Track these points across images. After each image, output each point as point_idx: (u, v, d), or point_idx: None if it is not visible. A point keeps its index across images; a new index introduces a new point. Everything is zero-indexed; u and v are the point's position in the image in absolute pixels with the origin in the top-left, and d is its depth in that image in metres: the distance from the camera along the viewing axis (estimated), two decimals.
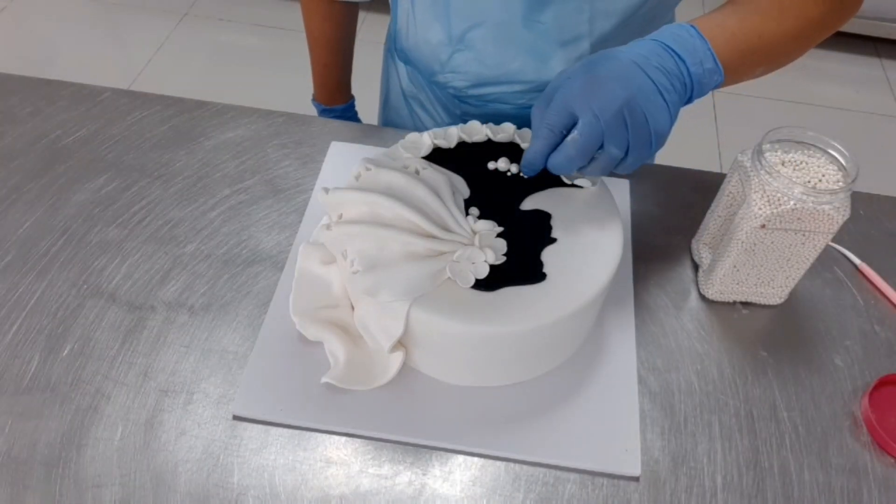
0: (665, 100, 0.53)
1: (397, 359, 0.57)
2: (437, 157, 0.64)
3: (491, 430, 0.56)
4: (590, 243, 0.58)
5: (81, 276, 0.65)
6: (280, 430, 0.56)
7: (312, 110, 0.96)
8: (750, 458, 0.57)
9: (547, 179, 0.62)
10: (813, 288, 0.69)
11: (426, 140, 0.64)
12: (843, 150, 0.59)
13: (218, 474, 0.54)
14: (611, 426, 0.57)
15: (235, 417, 0.56)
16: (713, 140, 2.04)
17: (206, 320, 0.62)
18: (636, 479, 0.55)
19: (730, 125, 2.08)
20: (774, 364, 0.63)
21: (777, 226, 0.58)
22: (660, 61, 0.53)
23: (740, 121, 2.09)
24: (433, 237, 0.56)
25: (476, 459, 0.55)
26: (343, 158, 0.76)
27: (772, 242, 0.60)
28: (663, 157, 0.88)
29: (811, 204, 0.56)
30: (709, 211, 0.68)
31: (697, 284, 0.68)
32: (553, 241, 0.58)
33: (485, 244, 0.56)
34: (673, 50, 0.54)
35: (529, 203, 0.61)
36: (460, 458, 0.55)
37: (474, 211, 0.59)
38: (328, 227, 0.58)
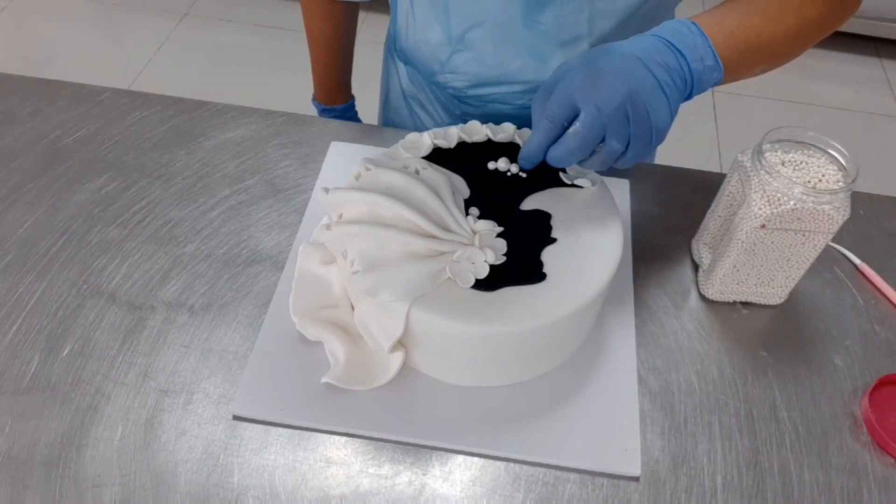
0: (666, 95, 0.53)
1: (397, 359, 0.57)
2: (437, 157, 0.64)
3: (491, 430, 0.56)
4: (590, 243, 0.58)
5: (81, 276, 0.65)
6: (280, 430, 0.56)
7: (312, 110, 0.96)
8: (750, 458, 0.57)
9: (547, 179, 0.62)
10: (813, 288, 0.69)
11: (426, 140, 0.64)
12: (843, 150, 0.59)
13: (218, 474, 0.54)
14: (611, 426, 0.57)
15: (235, 417, 0.56)
16: (713, 140, 2.04)
17: (206, 320, 0.62)
18: (636, 479, 0.55)
19: (730, 125, 2.08)
20: (774, 364, 0.63)
21: (777, 226, 0.58)
22: (661, 57, 0.53)
23: (740, 121, 2.09)
24: (433, 237, 0.56)
25: (476, 459, 0.55)
26: (343, 158, 0.76)
27: (772, 242, 0.60)
28: (663, 157, 0.88)
29: (811, 204, 0.56)
30: (709, 211, 0.68)
31: (697, 284, 0.68)
32: (553, 241, 0.58)
33: (485, 244, 0.56)
34: (674, 46, 0.54)
35: (529, 203, 0.61)
36: (460, 458, 0.55)
37: (474, 211, 0.59)
38: (328, 227, 0.58)
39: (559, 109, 0.54)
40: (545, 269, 0.56)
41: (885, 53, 2.36)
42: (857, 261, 0.71)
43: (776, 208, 0.57)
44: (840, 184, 0.58)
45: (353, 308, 0.61)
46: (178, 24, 2.35)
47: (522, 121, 0.66)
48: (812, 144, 0.60)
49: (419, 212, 0.56)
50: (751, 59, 0.59)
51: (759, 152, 0.58)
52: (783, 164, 0.59)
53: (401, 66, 0.85)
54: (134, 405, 0.57)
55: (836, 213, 0.57)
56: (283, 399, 0.57)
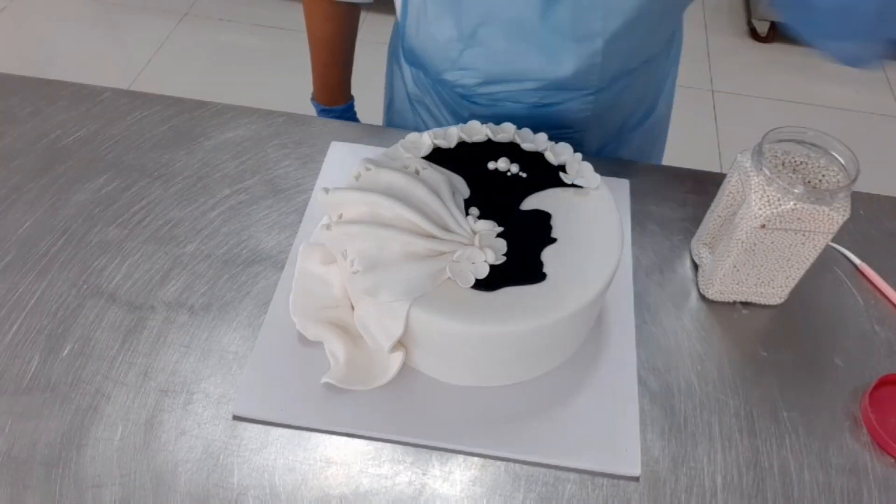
0: None
1: (397, 359, 0.57)
2: (437, 157, 0.64)
3: (491, 430, 0.56)
4: (590, 243, 0.58)
5: (81, 276, 0.65)
6: (280, 430, 0.56)
7: (312, 110, 0.96)
8: (750, 458, 0.56)
9: (547, 179, 0.62)
10: (813, 288, 0.69)
11: (426, 140, 0.64)
12: (843, 150, 0.59)
13: (218, 474, 0.54)
14: (611, 426, 0.57)
15: (235, 417, 0.56)
16: (713, 140, 2.04)
17: (206, 320, 0.62)
18: (636, 479, 0.55)
19: (730, 125, 2.08)
20: (774, 364, 0.63)
21: (777, 226, 0.58)
22: None
23: (740, 121, 2.09)
24: (433, 237, 0.56)
25: (476, 459, 0.55)
26: (343, 158, 0.76)
27: (772, 242, 0.60)
28: (663, 157, 0.88)
29: (811, 204, 0.56)
30: (709, 211, 0.68)
31: (697, 284, 0.68)
32: (553, 241, 0.58)
33: (485, 244, 0.56)
34: None
35: (529, 203, 0.61)
36: (460, 458, 0.55)
37: (474, 211, 0.59)
38: (328, 227, 0.58)
39: None
40: (545, 269, 0.56)
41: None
42: (857, 261, 0.71)
43: (776, 208, 0.57)
44: (840, 184, 0.58)
45: (353, 308, 0.61)
46: (178, 24, 2.35)
47: (532, 120, 0.65)
48: (812, 144, 0.60)
49: (419, 212, 0.56)
50: None
51: (759, 152, 0.58)
52: (783, 165, 0.59)
53: (406, 69, 0.84)
54: (134, 405, 0.57)
55: (836, 213, 0.57)
56: (283, 399, 0.57)
